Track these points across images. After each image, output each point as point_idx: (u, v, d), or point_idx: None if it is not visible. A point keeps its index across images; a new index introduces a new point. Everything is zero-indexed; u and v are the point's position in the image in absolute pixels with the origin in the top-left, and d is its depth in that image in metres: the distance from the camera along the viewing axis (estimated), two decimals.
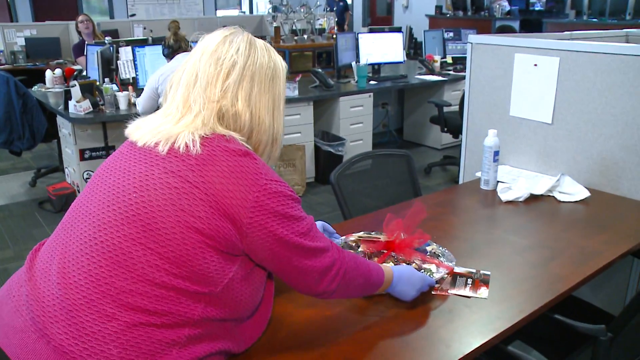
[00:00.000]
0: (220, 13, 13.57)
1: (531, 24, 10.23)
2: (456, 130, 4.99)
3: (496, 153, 2.23)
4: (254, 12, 13.91)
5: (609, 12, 9.43)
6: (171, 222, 1.03)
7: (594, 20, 9.53)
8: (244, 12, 14.58)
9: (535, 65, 2.38)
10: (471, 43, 2.66)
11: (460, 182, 2.86)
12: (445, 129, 5.09)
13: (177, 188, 1.05)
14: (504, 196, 2.16)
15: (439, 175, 5.26)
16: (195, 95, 1.14)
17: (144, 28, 7.84)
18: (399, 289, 1.39)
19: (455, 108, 5.20)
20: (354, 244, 1.67)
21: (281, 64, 1.24)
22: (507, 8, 10.74)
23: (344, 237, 1.71)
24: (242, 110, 1.14)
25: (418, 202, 1.67)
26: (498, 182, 2.29)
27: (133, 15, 11.78)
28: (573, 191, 2.18)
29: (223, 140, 1.11)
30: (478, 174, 2.34)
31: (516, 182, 2.26)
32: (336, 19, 10.54)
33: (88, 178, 4.28)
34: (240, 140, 1.13)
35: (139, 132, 1.16)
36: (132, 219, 1.04)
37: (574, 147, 2.32)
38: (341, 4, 11.10)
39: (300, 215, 1.14)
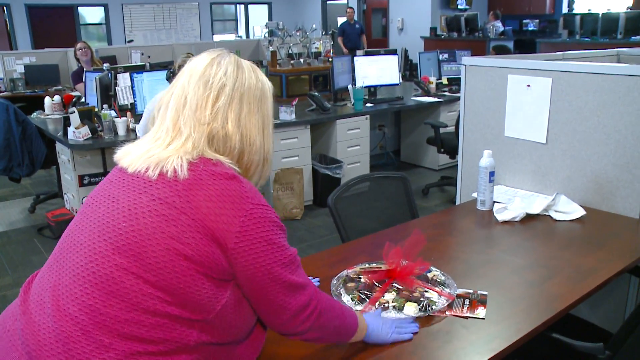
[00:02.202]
0: (217, 38, 13.73)
1: (525, 44, 10.34)
2: (453, 151, 5.02)
3: (492, 174, 2.26)
4: (251, 37, 14.06)
5: (600, 32, 9.55)
6: (161, 250, 1.03)
7: (586, 39, 9.64)
8: (241, 37, 14.75)
9: (529, 86, 2.42)
10: (465, 65, 2.70)
11: (458, 202, 2.88)
12: (442, 150, 5.13)
13: (164, 215, 1.04)
14: (500, 216, 2.18)
15: (437, 196, 5.28)
16: (185, 118, 1.13)
17: (142, 54, 7.93)
18: (374, 338, 1.35)
19: (452, 129, 5.24)
20: (355, 276, 1.66)
21: (268, 84, 1.24)
22: (501, 29, 10.88)
23: (345, 271, 1.70)
24: (232, 131, 1.14)
25: (417, 230, 1.67)
26: (494, 202, 2.31)
27: (131, 41, 11.92)
28: (568, 210, 2.20)
29: (210, 164, 1.10)
30: (474, 195, 2.36)
31: (512, 202, 2.27)
32: (353, 42, 10.65)
33: None
34: (228, 164, 1.12)
35: (128, 157, 1.14)
36: (123, 248, 1.04)
37: (568, 166, 2.34)
38: (357, 27, 11.09)
39: (284, 244, 1.13)
